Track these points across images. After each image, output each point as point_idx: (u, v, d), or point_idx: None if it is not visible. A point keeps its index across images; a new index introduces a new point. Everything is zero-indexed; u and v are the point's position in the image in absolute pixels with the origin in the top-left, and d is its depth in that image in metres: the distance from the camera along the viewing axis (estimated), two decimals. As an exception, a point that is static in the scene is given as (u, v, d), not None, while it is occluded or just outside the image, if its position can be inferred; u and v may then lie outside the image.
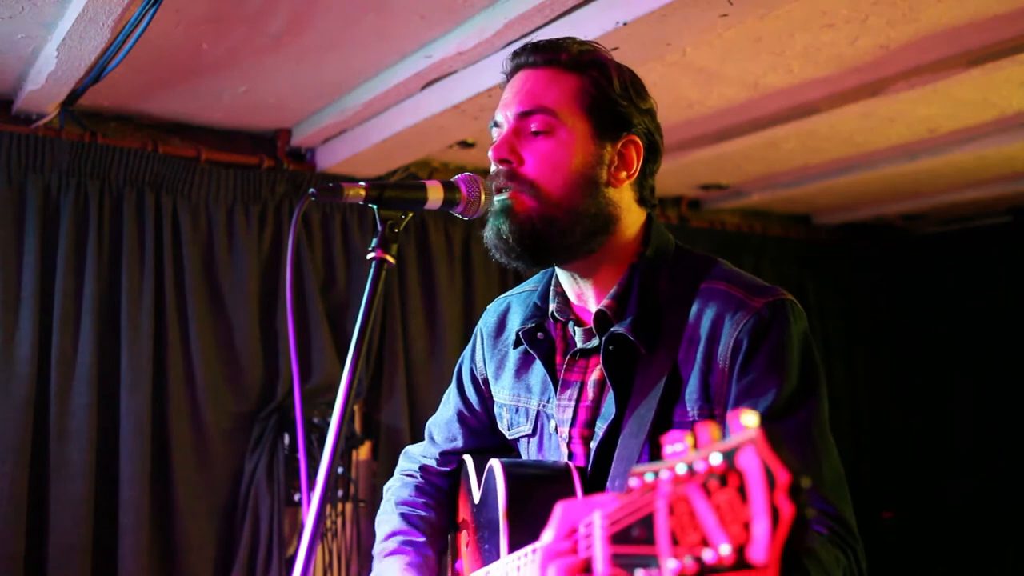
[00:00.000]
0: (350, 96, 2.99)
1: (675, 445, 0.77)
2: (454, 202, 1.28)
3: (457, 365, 1.70)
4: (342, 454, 3.45)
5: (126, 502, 2.93)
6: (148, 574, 2.94)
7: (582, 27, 2.18)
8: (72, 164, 2.95)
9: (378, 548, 1.57)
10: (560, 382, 1.39)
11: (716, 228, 4.83)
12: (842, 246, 5.43)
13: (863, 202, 4.90)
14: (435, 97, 2.77)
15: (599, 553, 0.83)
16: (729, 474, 0.69)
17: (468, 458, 1.57)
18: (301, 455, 1.08)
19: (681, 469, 0.74)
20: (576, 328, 1.40)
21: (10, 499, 2.74)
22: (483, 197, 1.29)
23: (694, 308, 1.29)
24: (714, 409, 1.24)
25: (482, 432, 1.64)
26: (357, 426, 3.59)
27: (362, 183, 1.21)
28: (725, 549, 0.68)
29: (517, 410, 1.50)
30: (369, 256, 1.18)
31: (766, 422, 1.14)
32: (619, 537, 0.81)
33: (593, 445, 1.32)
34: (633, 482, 0.79)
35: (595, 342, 1.35)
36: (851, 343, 5.30)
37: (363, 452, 3.59)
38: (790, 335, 1.23)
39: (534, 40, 1.40)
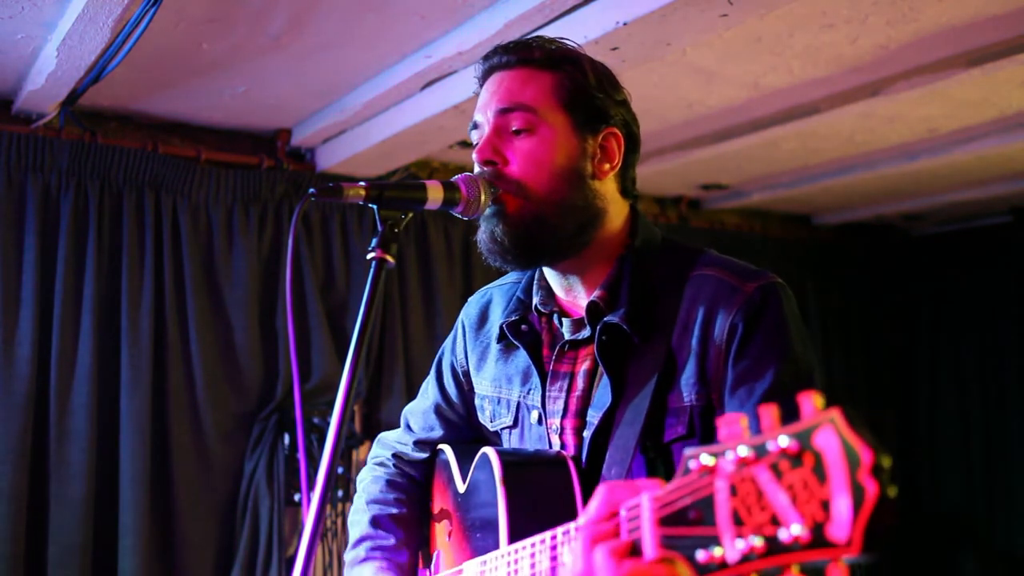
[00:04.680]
0: (350, 96, 2.99)
1: (732, 427, 0.75)
2: (454, 202, 1.28)
3: (437, 357, 1.69)
4: (342, 454, 3.45)
5: (126, 502, 2.94)
6: (148, 574, 2.94)
7: (582, 27, 2.18)
8: (72, 164, 2.95)
9: (349, 555, 1.57)
10: (549, 374, 1.39)
11: (716, 228, 4.83)
12: (842, 246, 5.43)
13: (863, 202, 4.90)
14: (435, 97, 2.77)
15: (647, 535, 0.81)
16: (804, 454, 0.67)
17: (447, 447, 1.57)
18: (301, 455, 1.08)
19: (745, 451, 0.72)
20: (563, 320, 1.41)
21: (10, 499, 2.74)
22: (483, 197, 1.30)
23: (686, 295, 1.30)
24: (711, 393, 1.24)
25: (460, 425, 1.64)
26: (357, 426, 3.59)
27: (362, 183, 1.21)
28: (799, 528, 0.66)
29: (499, 402, 1.50)
30: (369, 256, 1.18)
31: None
32: (670, 519, 0.79)
33: (587, 434, 1.31)
34: (691, 464, 0.77)
35: (585, 333, 1.36)
36: (850, 343, 5.30)
37: (363, 452, 3.59)
38: (784, 317, 1.25)
39: (504, 43, 1.41)
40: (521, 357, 1.45)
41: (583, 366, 1.37)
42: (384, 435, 1.76)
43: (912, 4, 2.35)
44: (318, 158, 3.49)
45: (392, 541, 1.56)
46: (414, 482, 1.66)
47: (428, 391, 1.69)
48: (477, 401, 1.57)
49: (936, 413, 5.43)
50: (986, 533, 5.10)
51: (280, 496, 3.20)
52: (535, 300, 1.44)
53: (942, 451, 5.35)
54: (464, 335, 1.61)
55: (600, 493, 0.92)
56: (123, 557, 2.92)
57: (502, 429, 1.50)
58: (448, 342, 1.67)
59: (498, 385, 1.50)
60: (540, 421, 1.40)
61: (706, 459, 0.75)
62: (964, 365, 5.31)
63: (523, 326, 1.44)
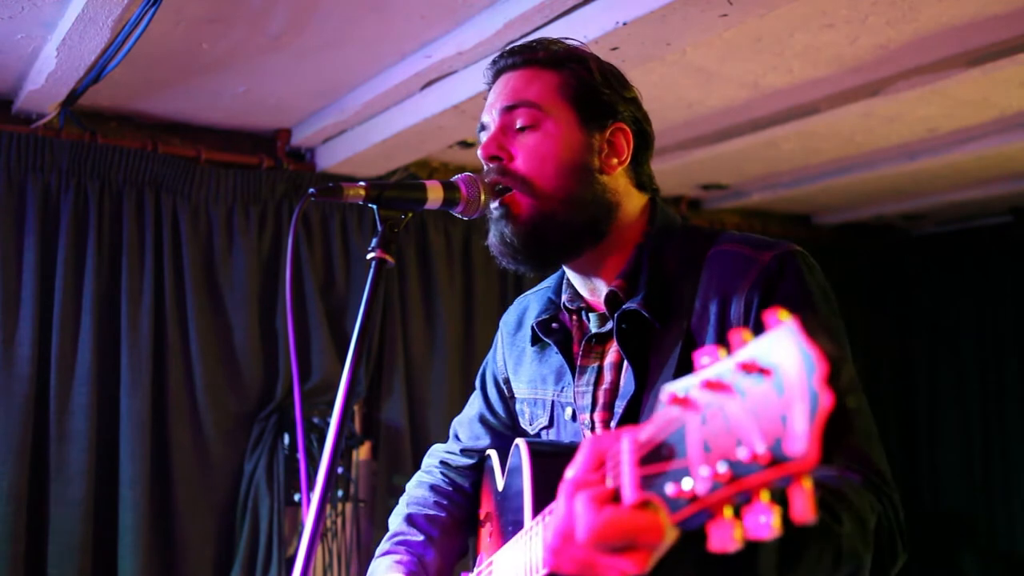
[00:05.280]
0: (350, 96, 2.99)
1: (706, 357, 0.71)
2: (454, 202, 1.27)
3: (481, 368, 1.70)
4: (342, 454, 3.45)
5: (126, 502, 2.94)
6: (148, 574, 2.94)
7: (582, 27, 2.18)
8: (72, 164, 2.95)
9: (379, 548, 1.58)
10: (577, 369, 1.39)
11: (716, 228, 4.83)
12: (842, 246, 5.43)
13: (863, 202, 4.90)
14: (435, 97, 2.77)
15: (627, 479, 0.78)
16: (764, 370, 0.64)
17: (493, 452, 1.58)
18: (301, 455, 1.08)
19: (713, 375, 0.69)
20: (590, 315, 1.40)
21: (10, 499, 2.75)
22: (483, 197, 1.29)
23: (704, 275, 1.27)
24: None
25: (505, 434, 1.64)
26: (357, 426, 3.59)
27: (362, 183, 1.21)
28: (760, 446, 0.63)
29: (535, 403, 1.50)
30: (369, 256, 1.18)
31: None
32: (649, 457, 0.76)
33: (613, 425, 1.30)
34: (665, 398, 0.74)
35: (609, 325, 1.34)
36: (850, 343, 5.29)
37: (363, 452, 3.59)
38: (804, 284, 1.21)
39: (511, 46, 1.41)
40: (554, 356, 1.44)
41: (609, 358, 1.36)
42: (435, 447, 1.77)
43: (912, 4, 2.35)
44: (318, 158, 3.49)
45: (421, 538, 1.55)
46: (460, 490, 1.66)
47: (474, 402, 1.70)
48: (517, 406, 1.56)
49: (936, 413, 5.43)
50: (986, 533, 5.10)
51: (280, 496, 3.20)
52: (564, 298, 1.44)
53: (942, 451, 5.35)
54: (502, 342, 1.62)
55: (585, 444, 0.89)
56: (123, 557, 2.92)
57: (540, 430, 1.50)
58: (490, 353, 1.68)
59: (534, 386, 1.50)
60: (574, 417, 1.39)
61: (679, 391, 0.72)
62: (964, 365, 5.31)
63: (553, 324, 1.43)
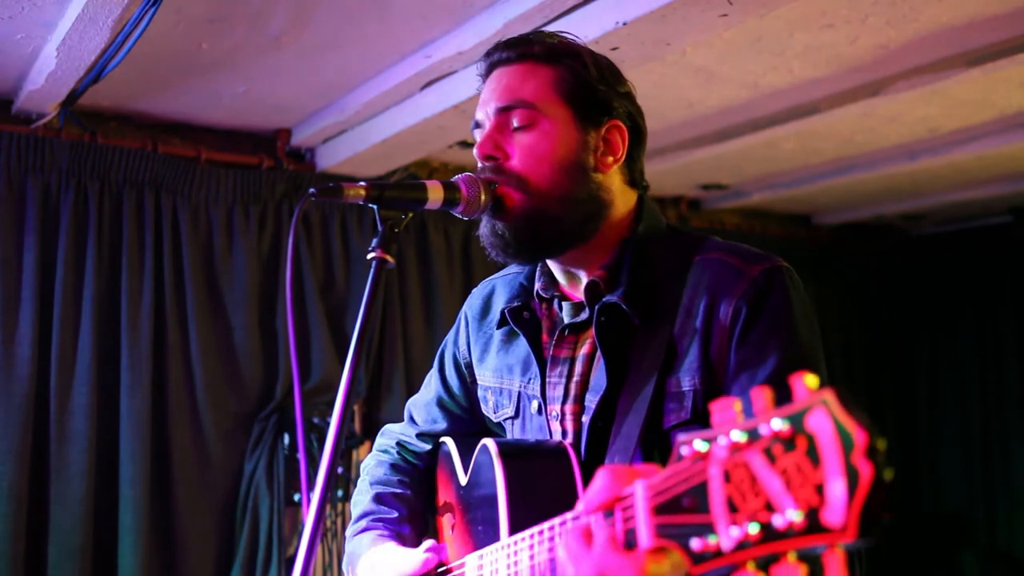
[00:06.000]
0: (350, 96, 2.99)
1: (725, 412, 0.73)
2: (454, 202, 1.28)
3: (440, 349, 1.68)
4: (342, 454, 3.45)
5: (126, 502, 2.94)
6: (148, 574, 2.94)
7: (582, 27, 2.18)
8: (72, 164, 2.95)
9: (350, 529, 1.57)
10: (549, 360, 1.38)
11: (716, 228, 4.83)
12: (842, 246, 5.43)
13: (863, 202, 4.90)
14: (435, 97, 2.77)
15: (642, 525, 0.80)
16: (797, 437, 0.66)
17: (449, 440, 1.57)
18: (301, 455, 1.08)
19: (738, 435, 0.71)
20: (563, 304, 1.40)
21: (10, 499, 2.75)
22: (483, 197, 1.29)
23: (690, 280, 1.28)
24: (715, 377, 1.23)
25: (463, 417, 1.64)
26: (357, 426, 3.59)
27: (362, 183, 1.21)
28: (794, 513, 0.65)
29: (501, 392, 1.49)
30: (369, 256, 1.18)
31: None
32: (665, 507, 0.78)
33: (585, 419, 1.30)
34: (683, 451, 0.76)
35: (584, 315, 1.35)
36: (850, 343, 5.30)
37: (363, 452, 3.59)
38: (789, 302, 1.23)
39: (505, 38, 1.40)
40: (521, 345, 1.44)
41: (583, 350, 1.35)
42: (388, 427, 1.76)
43: (912, 4, 2.35)
44: (318, 158, 3.50)
45: (395, 515, 1.55)
46: (418, 469, 1.66)
47: (431, 384, 1.69)
48: (480, 392, 1.56)
49: (936, 413, 5.43)
50: (986, 533, 5.10)
51: (280, 496, 3.20)
52: (537, 286, 1.44)
53: (942, 451, 5.35)
54: (467, 326, 1.61)
55: (595, 481, 0.90)
56: (123, 557, 2.92)
57: (505, 420, 1.50)
58: (451, 334, 1.66)
59: (500, 375, 1.49)
60: (540, 411, 1.39)
61: (699, 445, 0.74)
62: (964, 365, 5.31)
63: (525, 313, 1.43)
